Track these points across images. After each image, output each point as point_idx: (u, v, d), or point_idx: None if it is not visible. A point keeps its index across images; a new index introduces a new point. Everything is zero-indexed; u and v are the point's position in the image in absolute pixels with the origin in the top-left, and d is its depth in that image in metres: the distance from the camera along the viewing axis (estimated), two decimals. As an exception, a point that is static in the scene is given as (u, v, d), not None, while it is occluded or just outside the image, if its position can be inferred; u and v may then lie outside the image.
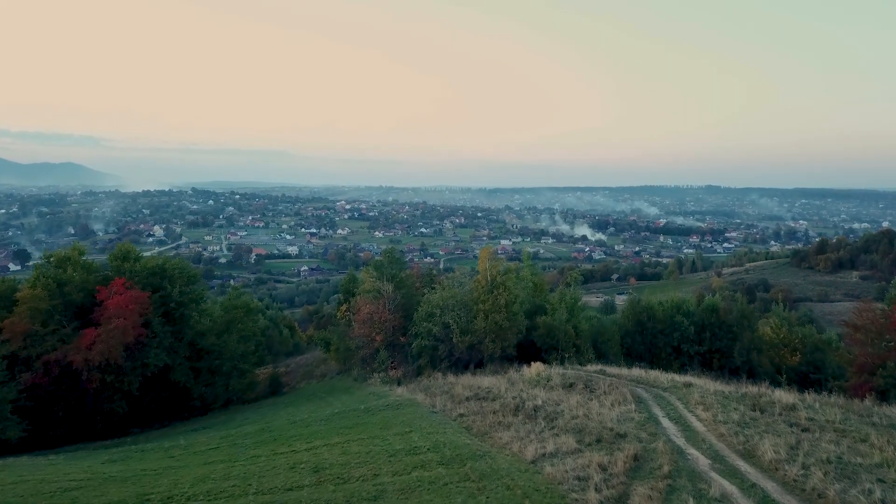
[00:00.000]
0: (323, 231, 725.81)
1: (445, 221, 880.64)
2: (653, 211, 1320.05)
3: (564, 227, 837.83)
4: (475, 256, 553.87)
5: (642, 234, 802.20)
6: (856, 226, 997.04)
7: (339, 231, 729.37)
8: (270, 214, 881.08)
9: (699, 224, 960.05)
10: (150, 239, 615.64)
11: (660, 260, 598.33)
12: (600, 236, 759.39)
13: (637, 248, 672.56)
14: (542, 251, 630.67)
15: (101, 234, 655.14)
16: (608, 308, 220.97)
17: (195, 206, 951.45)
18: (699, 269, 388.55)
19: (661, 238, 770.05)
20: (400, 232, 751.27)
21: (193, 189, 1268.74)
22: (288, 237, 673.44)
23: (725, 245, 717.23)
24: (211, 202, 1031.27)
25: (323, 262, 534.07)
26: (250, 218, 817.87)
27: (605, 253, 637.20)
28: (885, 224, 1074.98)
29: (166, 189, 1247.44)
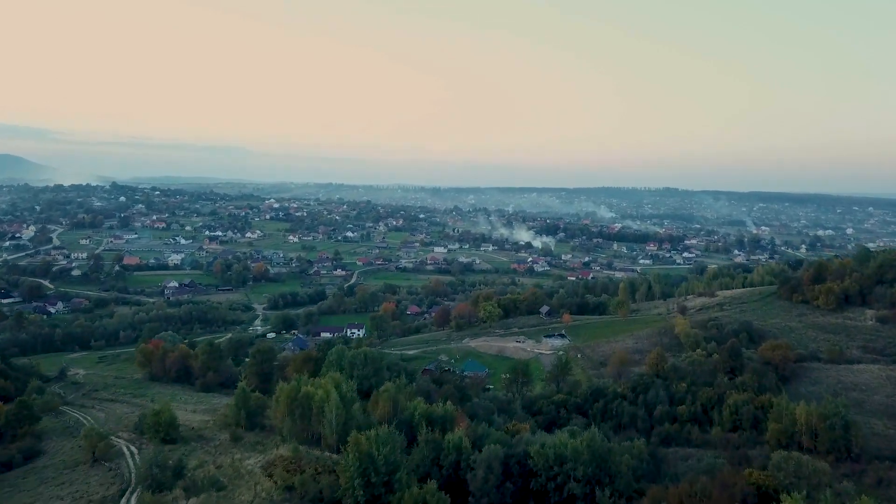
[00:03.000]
0: (230, 234, 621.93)
1: (381, 224, 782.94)
2: (608, 214, 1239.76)
3: (510, 232, 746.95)
4: (399, 268, 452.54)
5: (594, 240, 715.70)
6: (820, 232, 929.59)
7: (249, 234, 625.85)
8: (182, 214, 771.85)
9: (656, 230, 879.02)
10: (8, 243, 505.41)
11: (612, 274, 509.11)
12: (548, 242, 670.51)
13: (587, 258, 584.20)
14: (478, 261, 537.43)
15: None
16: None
17: (100, 204, 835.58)
18: (656, 296, 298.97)
19: (615, 246, 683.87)
20: (321, 236, 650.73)
21: (114, 184, 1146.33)
22: (183, 241, 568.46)
23: (686, 255, 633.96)
24: (123, 198, 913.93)
25: (204, 275, 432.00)
26: (154, 218, 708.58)
27: (549, 263, 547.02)
28: (850, 230, 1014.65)
29: (84, 184, 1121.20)
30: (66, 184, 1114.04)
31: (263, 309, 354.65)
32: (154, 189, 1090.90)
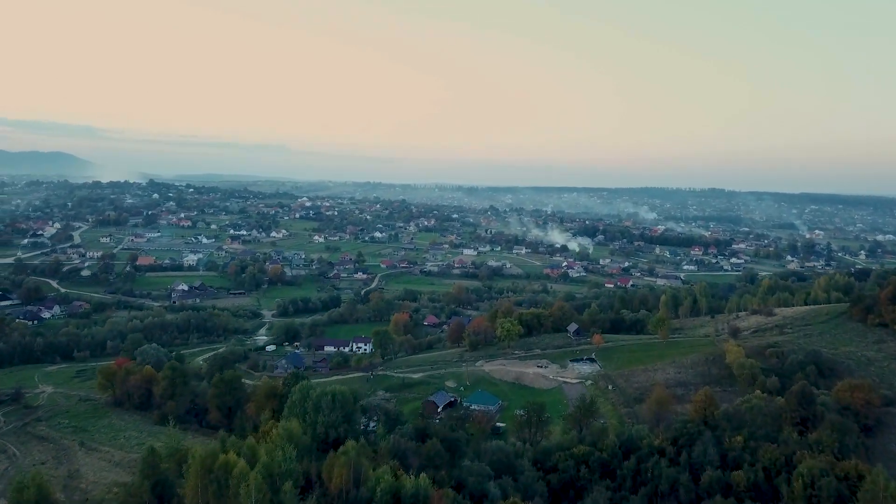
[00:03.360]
0: (254, 234, 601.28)
1: (411, 224, 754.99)
2: (650, 215, 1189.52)
3: (545, 234, 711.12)
4: (423, 272, 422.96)
5: (635, 243, 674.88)
6: (880, 237, 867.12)
7: (274, 234, 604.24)
8: (211, 212, 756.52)
9: (702, 233, 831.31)
10: (26, 241, 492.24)
11: (653, 282, 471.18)
12: (586, 245, 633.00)
13: (626, 263, 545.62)
14: (508, 265, 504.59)
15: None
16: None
17: (131, 201, 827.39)
18: (702, 312, 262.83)
19: (658, 250, 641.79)
20: (347, 236, 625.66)
21: (150, 181, 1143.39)
22: (205, 241, 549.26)
23: (734, 260, 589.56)
24: (156, 195, 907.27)
25: (218, 277, 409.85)
26: (182, 216, 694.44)
27: (585, 268, 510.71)
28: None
29: (122, 181, 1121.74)
30: (106, 180, 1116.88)
31: (272, 315, 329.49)
32: (188, 186, 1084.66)
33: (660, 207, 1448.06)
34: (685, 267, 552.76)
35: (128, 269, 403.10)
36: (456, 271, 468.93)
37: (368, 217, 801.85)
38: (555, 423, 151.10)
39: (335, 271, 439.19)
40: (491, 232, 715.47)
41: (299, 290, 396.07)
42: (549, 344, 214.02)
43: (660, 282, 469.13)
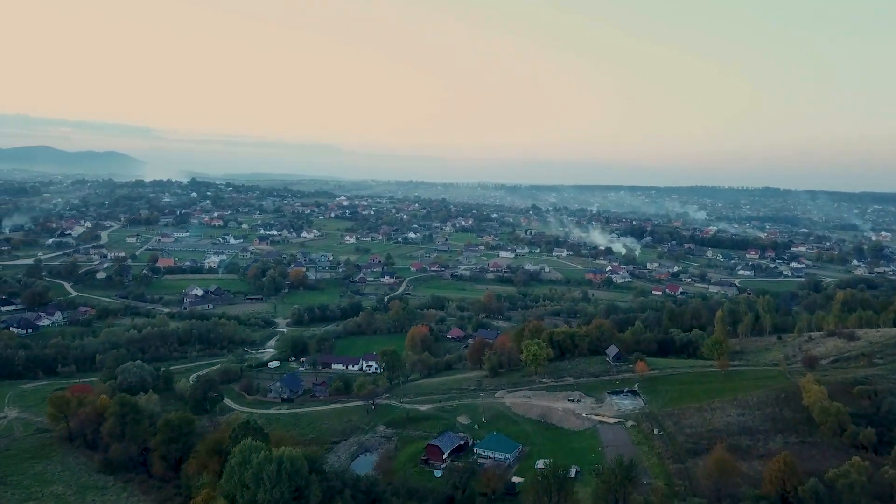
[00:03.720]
0: (285, 234, 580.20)
1: (448, 224, 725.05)
2: (701, 215, 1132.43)
3: (588, 235, 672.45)
4: (455, 276, 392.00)
5: (685, 246, 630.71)
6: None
7: (305, 234, 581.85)
8: (246, 210, 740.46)
9: (758, 234, 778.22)
10: (51, 241, 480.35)
11: (705, 288, 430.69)
12: (632, 247, 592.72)
13: (675, 268, 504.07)
14: (547, 269, 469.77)
15: (7, 230, 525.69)
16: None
17: (168, 199, 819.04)
18: (766, 330, 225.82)
19: (710, 252, 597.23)
20: (380, 237, 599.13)
21: (192, 180, 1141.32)
22: (233, 241, 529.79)
23: (794, 265, 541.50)
24: (194, 194, 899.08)
25: (238, 280, 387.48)
26: (215, 214, 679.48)
27: (631, 273, 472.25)
28: None
29: (165, 179, 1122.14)
30: (148, 179, 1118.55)
31: (286, 324, 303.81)
32: (228, 185, 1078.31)
33: (710, 207, 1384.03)
34: (740, 272, 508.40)
35: (144, 271, 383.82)
36: (490, 275, 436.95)
37: (405, 217, 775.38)
38: (585, 481, 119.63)
39: (361, 275, 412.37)
40: (531, 233, 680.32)
41: (321, 295, 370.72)
42: (583, 370, 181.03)
43: (712, 289, 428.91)
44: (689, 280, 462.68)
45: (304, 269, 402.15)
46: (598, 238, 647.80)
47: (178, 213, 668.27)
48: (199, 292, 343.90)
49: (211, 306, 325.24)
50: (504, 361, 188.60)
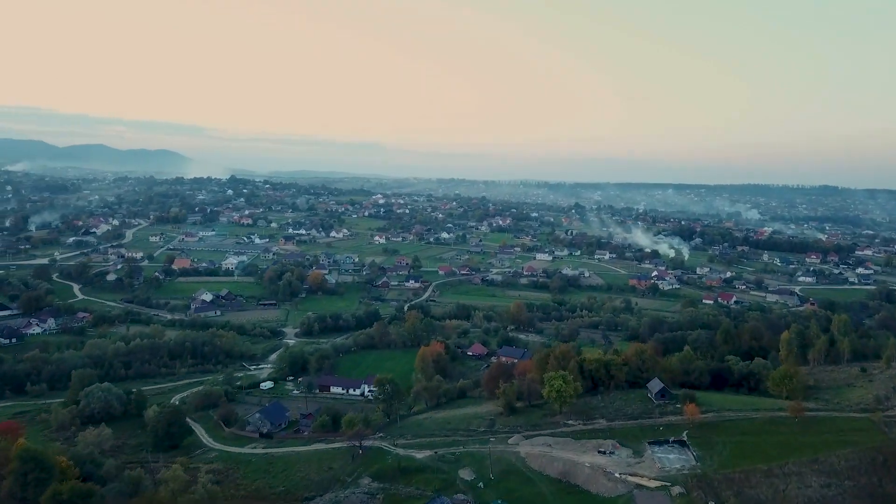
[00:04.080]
0: (313, 233, 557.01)
1: (484, 223, 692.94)
2: (754, 215, 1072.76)
3: (633, 236, 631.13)
4: (485, 281, 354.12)
5: (738, 248, 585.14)
6: None
7: (334, 234, 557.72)
8: (278, 209, 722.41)
9: (818, 236, 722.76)
10: (73, 239, 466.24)
11: (762, 297, 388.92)
12: (681, 249, 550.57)
13: (728, 273, 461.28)
14: (587, 274, 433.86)
15: (33, 227, 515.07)
16: None
17: (202, 197, 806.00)
18: (844, 357, 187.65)
19: (766, 256, 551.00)
20: (411, 237, 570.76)
21: (232, 177, 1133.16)
22: (258, 241, 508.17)
23: (860, 271, 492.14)
24: (230, 191, 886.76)
25: (253, 284, 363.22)
26: (245, 213, 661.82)
27: (679, 279, 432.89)
28: None
29: (205, 177, 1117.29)
30: (193, 177, 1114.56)
31: (296, 334, 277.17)
32: (266, 182, 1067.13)
33: (764, 206, 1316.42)
34: (800, 278, 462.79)
35: (156, 273, 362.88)
36: (524, 280, 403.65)
37: (440, 215, 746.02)
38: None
39: (384, 279, 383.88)
40: (571, 233, 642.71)
41: (340, 300, 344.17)
42: (619, 410, 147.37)
43: (770, 298, 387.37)
44: (744, 287, 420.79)
45: (324, 272, 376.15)
46: (643, 239, 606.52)
47: (208, 210, 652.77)
48: (209, 297, 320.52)
49: (218, 313, 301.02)
50: (524, 394, 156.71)
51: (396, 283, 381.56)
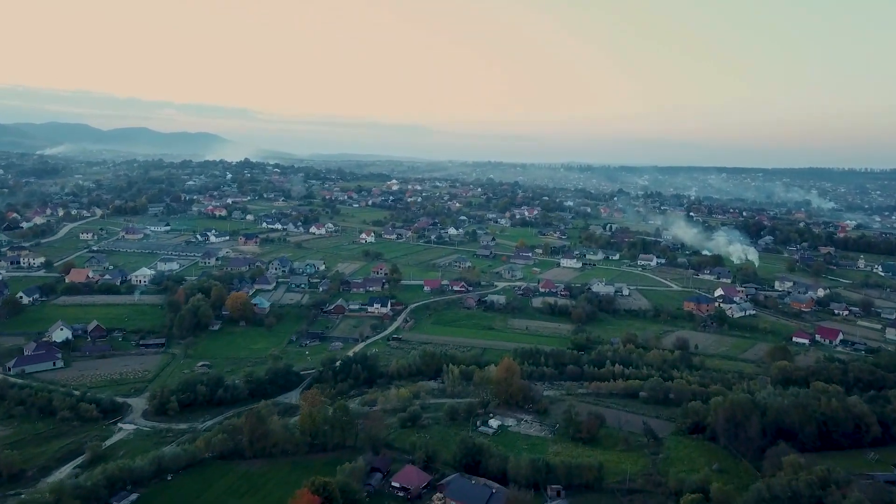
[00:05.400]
0: (290, 228, 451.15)
1: (507, 214, 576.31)
2: (826, 203, 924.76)
3: (686, 232, 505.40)
4: (482, 302, 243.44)
5: (822, 250, 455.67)
6: None
7: (314, 229, 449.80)
8: (270, 196, 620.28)
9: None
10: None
11: (877, 331, 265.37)
12: (749, 253, 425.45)
13: (820, 291, 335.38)
14: (626, 291, 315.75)
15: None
16: None
17: (191, 183, 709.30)
18: None
19: (861, 262, 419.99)
20: (409, 233, 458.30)
21: (245, 160, 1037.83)
22: (214, 239, 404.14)
23: None
24: (229, 175, 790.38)
25: (157, 308, 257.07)
26: (230, 202, 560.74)
27: (754, 300, 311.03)
28: None
29: (217, 160, 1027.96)
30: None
31: (144, 413, 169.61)
32: (276, 166, 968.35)
33: (832, 193, 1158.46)
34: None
35: (20, 295, 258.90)
36: (538, 302, 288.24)
37: (458, 204, 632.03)
38: None
39: (338, 301, 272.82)
40: (610, 228, 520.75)
41: (263, 337, 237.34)
42: None
43: (892, 334, 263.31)
44: (847, 313, 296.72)
45: (249, 292, 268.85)
46: (698, 237, 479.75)
47: (184, 199, 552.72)
48: (65, 334, 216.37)
49: (56, 364, 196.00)
50: None
51: (356, 308, 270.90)
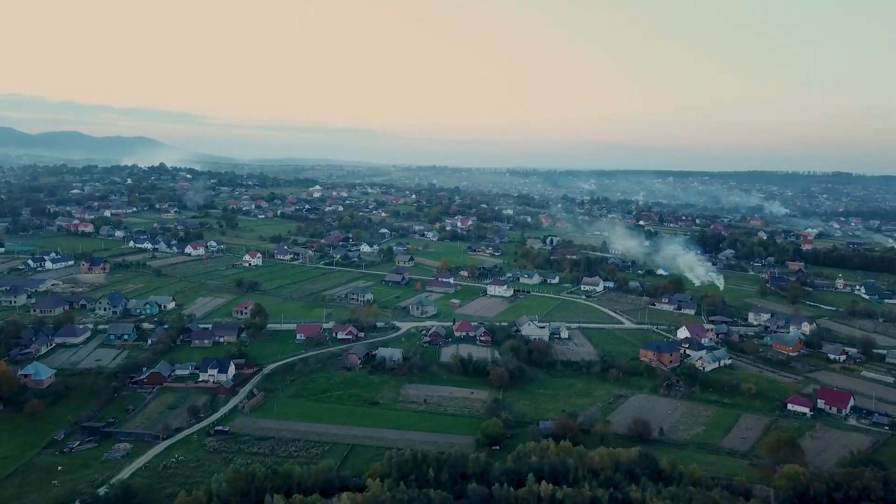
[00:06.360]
0: (161, 248, 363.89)
1: (434, 228, 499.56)
2: (778, 208, 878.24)
3: (637, 247, 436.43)
4: (367, 363, 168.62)
5: (790, 265, 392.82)
6: None
7: (190, 249, 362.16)
8: (165, 205, 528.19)
9: (889, 242, 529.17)
10: None
11: (882, 385, 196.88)
12: (709, 272, 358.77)
13: (804, 323, 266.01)
14: (563, 334, 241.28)
15: None
16: None
17: (78, 190, 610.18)
18: None
19: (840, 281, 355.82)
20: (310, 252, 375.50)
21: (161, 164, 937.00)
22: (50, 265, 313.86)
23: None
24: (130, 181, 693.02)
25: None
26: (107, 214, 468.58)
27: (726, 341, 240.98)
28: None
29: (130, 165, 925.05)
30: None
31: None
32: (189, 171, 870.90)
33: (781, 197, 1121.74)
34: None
35: None
36: (447, 354, 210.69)
37: (384, 214, 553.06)
38: None
39: (156, 368, 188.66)
40: (551, 242, 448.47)
41: (16, 435, 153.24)
42: None
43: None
44: (845, 358, 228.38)
45: (17, 361, 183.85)
46: (651, 253, 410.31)
47: (48, 210, 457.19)
48: None
49: None
50: None
51: (185, 374, 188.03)
